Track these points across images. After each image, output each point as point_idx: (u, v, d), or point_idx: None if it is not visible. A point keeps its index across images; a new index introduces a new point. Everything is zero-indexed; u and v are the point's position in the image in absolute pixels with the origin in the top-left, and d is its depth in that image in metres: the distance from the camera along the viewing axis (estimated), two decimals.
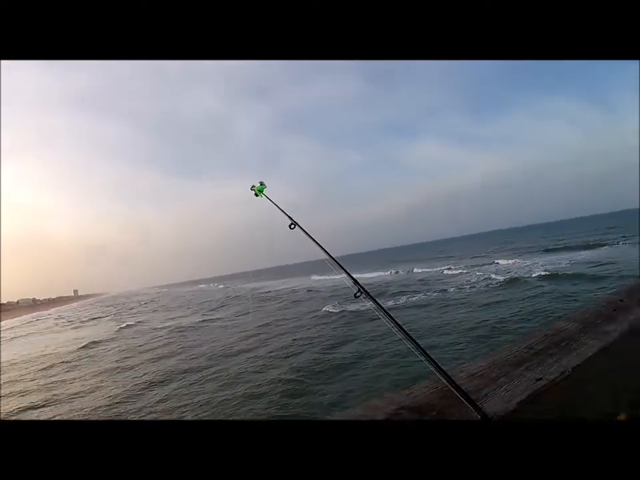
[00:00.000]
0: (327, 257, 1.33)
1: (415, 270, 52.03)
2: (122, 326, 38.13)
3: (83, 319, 61.22)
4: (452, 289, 27.65)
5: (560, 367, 1.05)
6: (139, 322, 41.56)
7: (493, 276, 30.26)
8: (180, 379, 15.68)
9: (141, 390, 15.17)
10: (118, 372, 18.76)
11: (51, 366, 22.35)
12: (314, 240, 1.41)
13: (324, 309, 26.88)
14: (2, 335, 49.71)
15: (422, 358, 0.99)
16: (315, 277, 66.87)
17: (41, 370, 21.67)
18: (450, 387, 0.90)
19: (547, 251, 48.81)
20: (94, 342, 28.72)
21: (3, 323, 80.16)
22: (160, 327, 33.87)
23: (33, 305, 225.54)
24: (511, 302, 20.01)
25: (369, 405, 0.95)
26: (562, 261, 34.09)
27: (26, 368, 22.53)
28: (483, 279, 30.01)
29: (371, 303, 1.20)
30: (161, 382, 15.78)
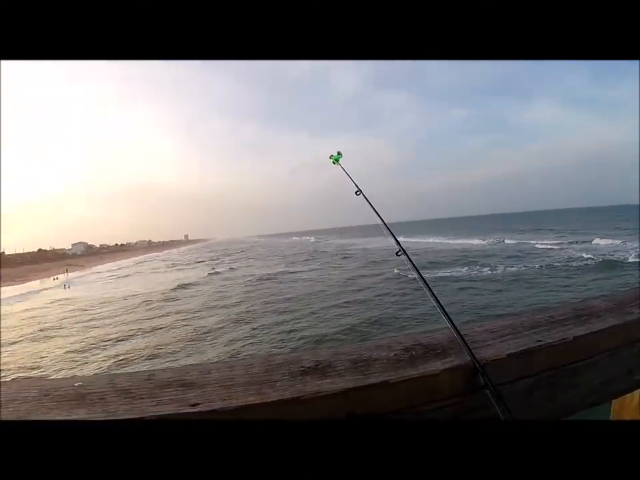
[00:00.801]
0: (381, 222, 1.51)
1: (508, 241, 49.75)
2: (211, 272, 43.00)
3: (187, 262, 68.64)
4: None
5: (564, 334, 1.11)
6: (231, 269, 46.32)
7: (585, 255, 28.31)
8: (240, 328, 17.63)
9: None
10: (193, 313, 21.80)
11: (152, 301, 26.55)
12: (372, 206, 1.55)
13: (395, 271, 27.56)
14: (116, 273, 60.14)
15: (439, 311, 1.10)
16: (401, 239, 66.51)
17: (142, 303, 26.08)
18: (455, 334, 1.03)
19: None
20: (187, 284, 33.09)
21: (120, 262, 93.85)
22: (247, 274, 37.71)
23: (148, 246, 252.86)
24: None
25: (393, 339, 1.09)
26: None
27: (132, 302, 27.31)
28: (577, 258, 27.95)
29: (407, 261, 1.33)
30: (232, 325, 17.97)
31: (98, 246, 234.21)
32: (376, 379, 0.93)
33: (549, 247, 38.58)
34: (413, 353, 1.05)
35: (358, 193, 1.66)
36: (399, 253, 1.38)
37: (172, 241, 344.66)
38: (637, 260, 24.95)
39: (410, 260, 1.35)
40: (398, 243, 1.41)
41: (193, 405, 0.80)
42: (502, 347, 1.08)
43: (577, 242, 40.84)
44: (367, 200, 1.60)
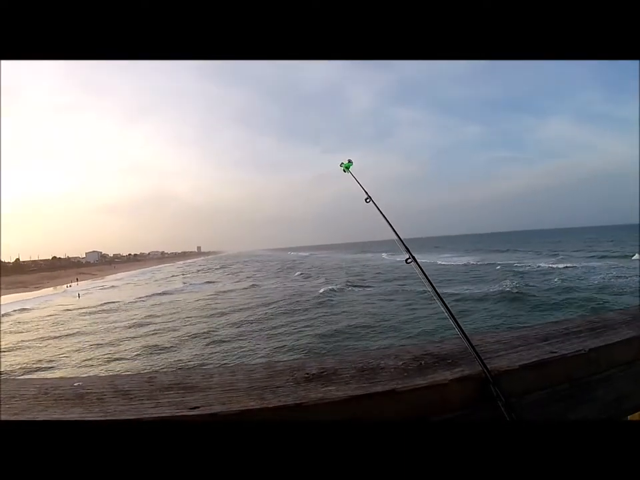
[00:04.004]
0: (395, 235, 1.44)
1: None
2: (176, 287, 48.98)
3: (172, 274, 76.33)
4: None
5: (579, 346, 1.08)
6: (208, 282, 51.87)
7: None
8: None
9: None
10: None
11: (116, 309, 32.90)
12: (384, 216, 1.49)
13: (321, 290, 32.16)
14: (111, 283, 66.95)
15: (451, 320, 1.07)
16: (386, 255, 71.85)
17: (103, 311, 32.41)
18: (466, 344, 1.00)
19: None
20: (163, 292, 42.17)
21: (122, 274, 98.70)
22: (222, 289, 42.59)
23: (161, 257, 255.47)
24: None
25: (402, 348, 1.09)
26: None
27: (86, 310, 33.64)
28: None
29: (417, 269, 1.27)
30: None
31: (112, 255, 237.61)
32: (382, 387, 0.91)
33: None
34: (422, 363, 1.03)
35: (368, 200, 1.63)
36: (409, 261, 1.35)
37: (185, 252, 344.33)
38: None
39: (420, 267, 1.30)
40: (408, 250, 1.39)
41: (192, 408, 0.79)
42: (514, 358, 1.05)
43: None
44: (377, 207, 1.57)
